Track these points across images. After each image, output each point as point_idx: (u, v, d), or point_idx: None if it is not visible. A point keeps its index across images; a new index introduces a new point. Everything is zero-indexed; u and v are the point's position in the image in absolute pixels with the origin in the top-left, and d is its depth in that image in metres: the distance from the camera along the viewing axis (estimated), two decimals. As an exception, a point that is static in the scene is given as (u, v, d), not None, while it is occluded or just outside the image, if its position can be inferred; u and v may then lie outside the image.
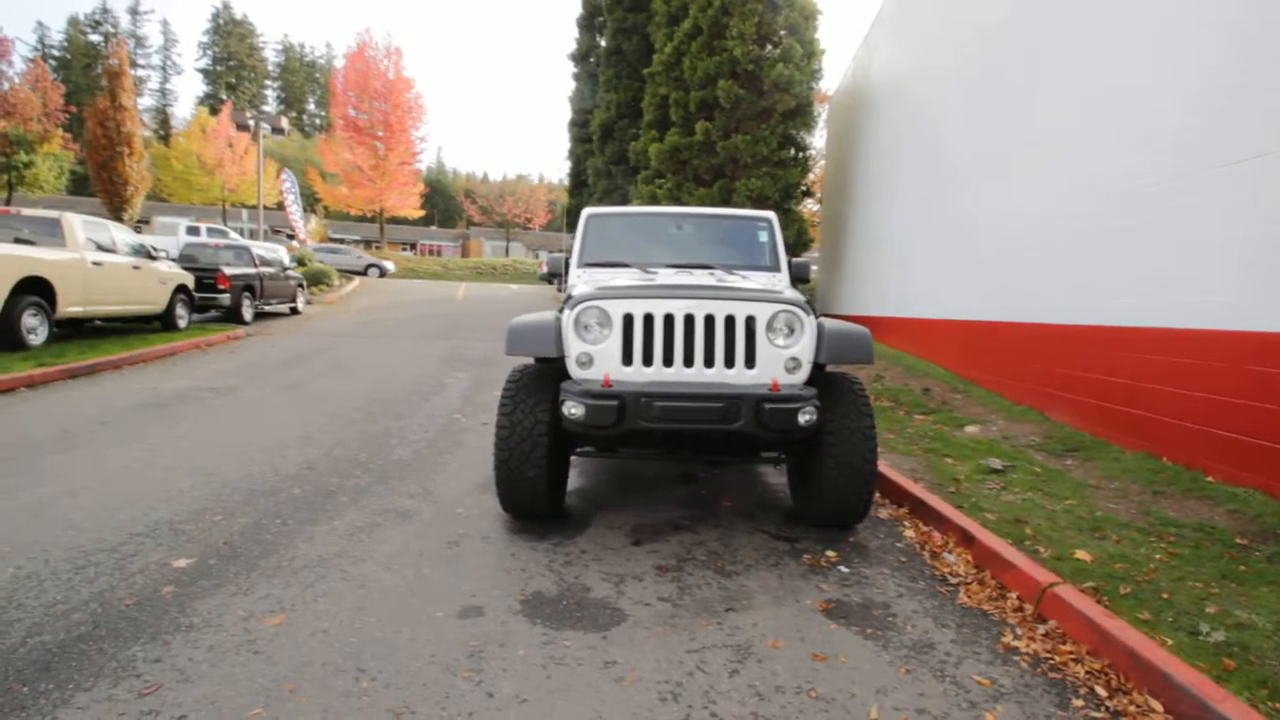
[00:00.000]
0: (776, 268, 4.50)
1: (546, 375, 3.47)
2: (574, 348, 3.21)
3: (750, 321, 3.18)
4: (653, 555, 3.16)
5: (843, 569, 3.06)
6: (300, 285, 16.33)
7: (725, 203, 13.25)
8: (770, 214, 4.72)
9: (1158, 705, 1.98)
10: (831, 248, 14.61)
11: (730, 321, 3.18)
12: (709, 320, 3.18)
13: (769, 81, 12.72)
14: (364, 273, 28.23)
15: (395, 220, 41.76)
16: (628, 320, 3.20)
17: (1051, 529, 3.40)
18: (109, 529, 3.21)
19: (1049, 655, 2.33)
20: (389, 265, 30.48)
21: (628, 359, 3.19)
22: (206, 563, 2.90)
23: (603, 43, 19.85)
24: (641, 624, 2.50)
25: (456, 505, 3.80)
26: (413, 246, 48.27)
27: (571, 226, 22.58)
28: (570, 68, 20.50)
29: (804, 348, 3.19)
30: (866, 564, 3.13)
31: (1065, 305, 5.73)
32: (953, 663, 2.30)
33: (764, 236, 4.63)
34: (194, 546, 3.06)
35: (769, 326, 3.19)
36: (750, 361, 3.17)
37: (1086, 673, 2.21)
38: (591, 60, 19.75)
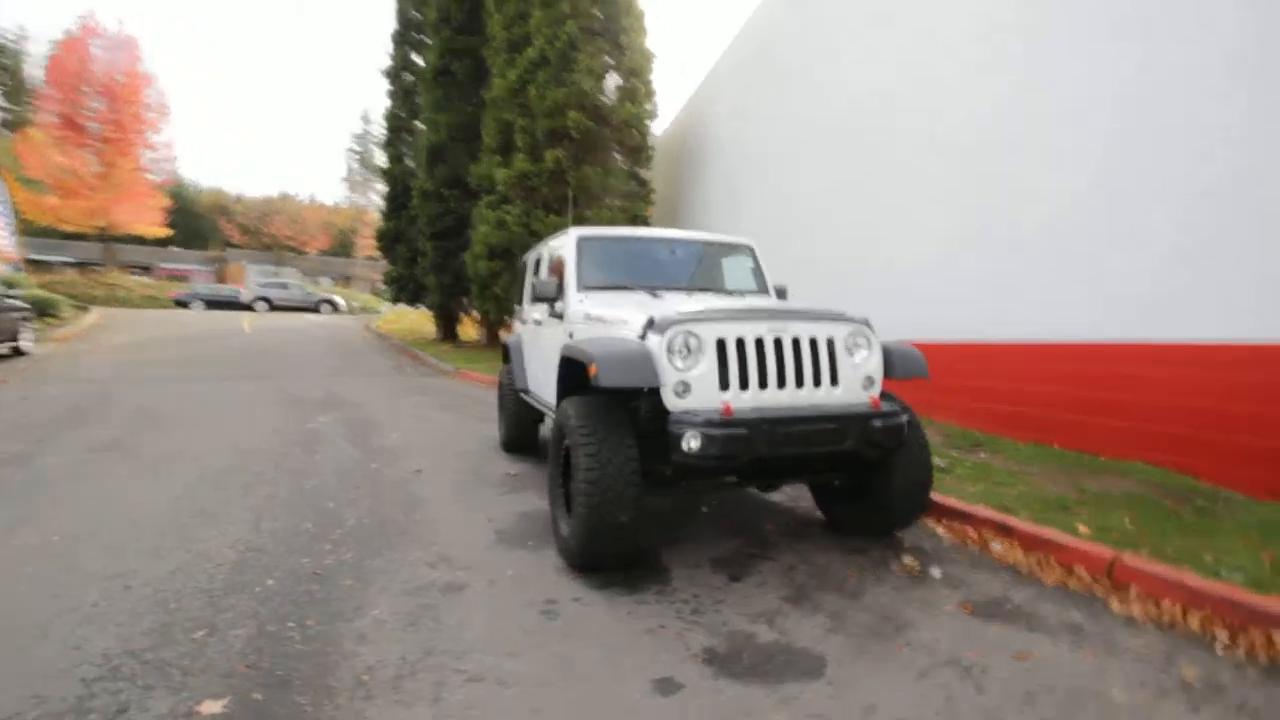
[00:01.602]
0: (766, 290, 4.66)
1: (614, 408, 3.16)
2: (669, 376, 2.98)
3: (830, 342, 3.26)
4: (763, 588, 3.04)
5: (935, 572, 3.24)
6: (24, 318, 12.71)
7: (577, 231, 13.26)
8: (751, 240, 4.87)
9: (1277, 636, 2.44)
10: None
11: (813, 343, 3.22)
12: (795, 342, 3.19)
13: (617, 118, 13.13)
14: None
15: (123, 239, 34.36)
16: (720, 344, 3.07)
17: (1030, 511, 3.97)
18: (39, 676, 2.17)
19: (1161, 615, 2.73)
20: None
21: (724, 384, 3.05)
22: (251, 701, 2.10)
23: (418, 60, 18.77)
24: (844, 662, 2.39)
25: (494, 566, 3.27)
26: (146, 270, 40.08)
27: (387, 250, 20.71)
28: (384, 84, 18.91)
29: (875, 365, 3.35)
30: (947, 565, 3.35)
31: (940, 327, 6.77)
32: (1108, 636, 2.57)
33: (750, 262, 4.76)
34: (207, 682, 2.20)
35: (846, 346, 3.30)
36: (834, 380, 3.24)
37: (1200, 622, 2.63)
38: (407, 77, 18.48)
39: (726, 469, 3.17)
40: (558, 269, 4.44)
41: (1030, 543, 3.47)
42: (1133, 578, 2.97)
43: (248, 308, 30.73)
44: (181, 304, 29.75)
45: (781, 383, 3.14)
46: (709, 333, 3.06)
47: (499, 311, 14.44)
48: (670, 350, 3.01)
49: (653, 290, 4.21)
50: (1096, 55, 5.22)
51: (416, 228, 17.16)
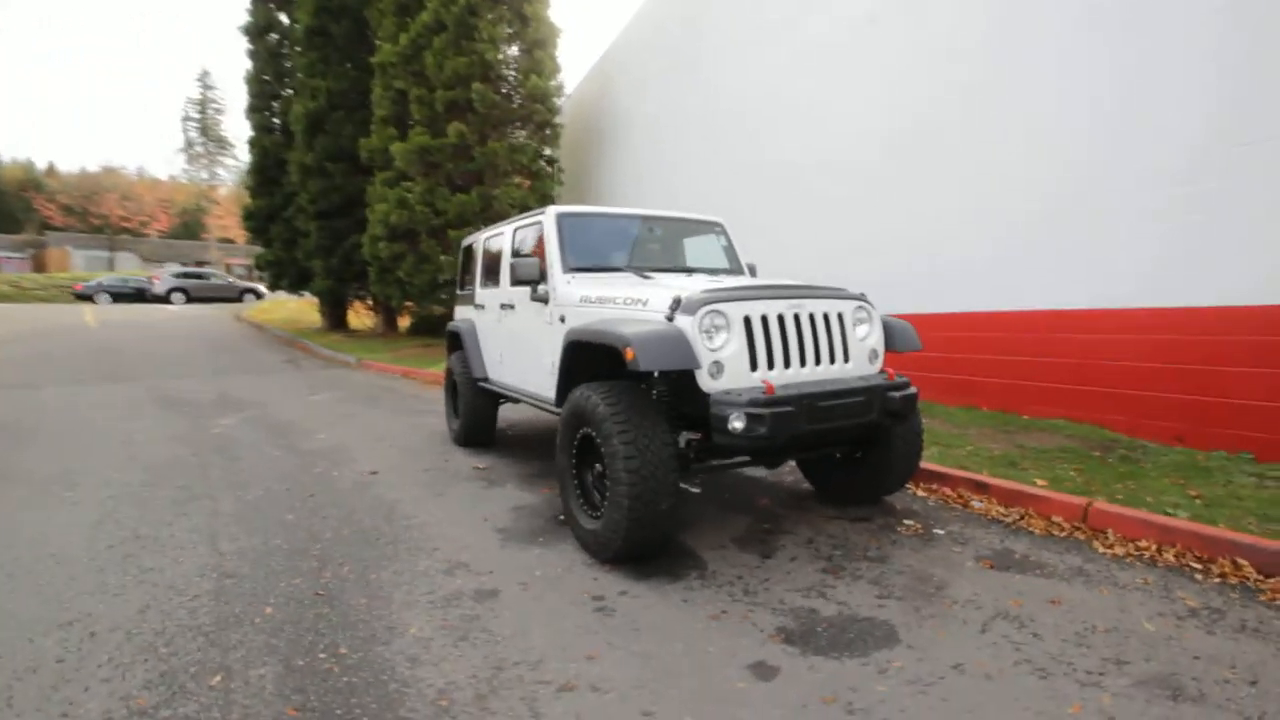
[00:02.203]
0: (740, 268, 4.69)
1: (641, 393, 3.07)
2: (705, 356, 2.92)
3: (840, 317, 3.34)
4: (797, 562, 3.09)
5: (938, 532, 3.46)
6: None
7: (486, 209, 12.74)
8: (721, 219, 4.87)
9: (1242, 560, 2.84)
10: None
11: (826, 318, 3.29)
12: (810, 318, 3.24)
13: (525, 91, 12.63)
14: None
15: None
16: (747, 323, 3.05)
17: (989, 468, 4.35)
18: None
19: (1142, 551, 3.09)
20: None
21: (754, 363, 3.04)
22: None
23: (285, 18, 16.93)
24: (910, 626, 2.49)
25: (517, 567, 3.09)
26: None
27: (256, 230, 18.64)
28: (243, 43, 16.74)
29: (878, 338, 3.49)
30: (946, 525, 3.58)
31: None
32: (1109, 575, 2.87)
33: (721, 240, 4.77)
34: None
35: (852, 321, 3.40)
36: (846, 356, 3.33)
37: (1174, 555, 3.01)
38: (275, 38, 16.56)
39: (767, 448, 3.17)
40: (538, 250, 4.20)
41: (1007, 497, 3.80)
42: (1107, 521, 3.34)
43: (163, 300, 27.87)
44: (84, 298, 27.07)
45: (803, 360, 3.19)
46: (736, 311, 3.03)
47: (402, 297, 13.57)
48: (702, 330, 2.95)
49: (640, 271, 4.11)
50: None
51: (296, 206, 15.60)
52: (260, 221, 17.06)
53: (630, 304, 3.27)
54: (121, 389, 8.74)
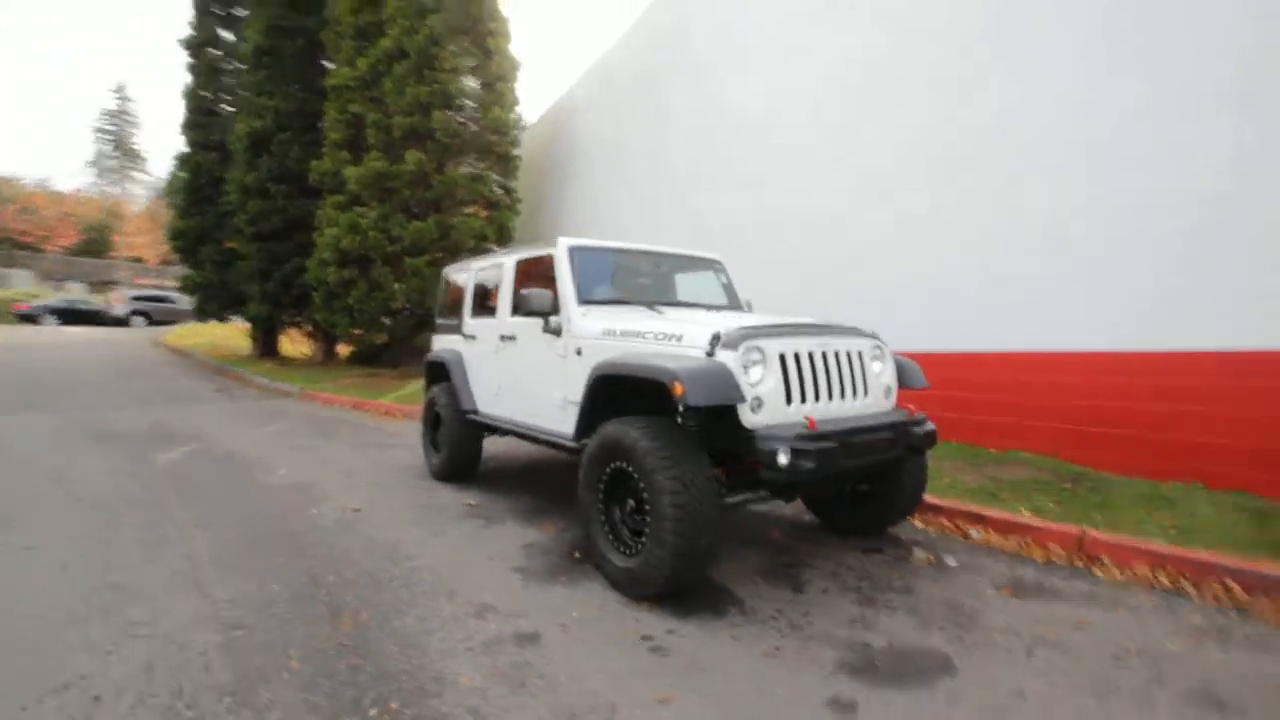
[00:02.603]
0: (738, 305, 4.80)
1: (680, 428, 3.07)
2: (747, 391, 2.96)
3: (860, 355, 3.47)
4: (829, 595, 3.13)
5: (950, 561, 3.58)
6: None
7: (443, 237, 12.53)
8: (719, 255, 4.98)
9: (1230, 582, 3.09)
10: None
11: (849, 356, 3.41)
12: (835, 355, 3.34)
13: (485, 122, 12.61)
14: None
15: None
16: (782, 359, 3.12)
17: (972, 499, 4.57)
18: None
19: (1138, 577, 3.30)
20: None
21: (789, 398, 3.10)
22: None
23: (228, 35, 16.30)
24: (961, 655, 2.55)
25: (549, 608, 2.98)
26: None
27: (182, 250, 17.46)
28: (183, 56, 15.95)
29: (891, 375, 3.64)
30: (955, 554, 3.71)
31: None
32: (1119, 599, 3.05)
33: (720, 277, 4.87)
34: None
35: (870, 358, 3.53)
36: (866, 391, 3.45)
37: (1168, 577, 3.23)
38: (216, 53, 15.86)
39: (808, 482, 3.21)
40: (541, 282, 4.16)
41: (1004, 528, 3.99)
42: (1101, 549, 3.56)
43: (120, 323, 25.90)
44: (28, 319, 24.67)
45: (830, 395, 3.28)
46: (773, 348, 3.10)
47: (349, 324, 13.03)
48: (743, 366, 2.99)
49: (651, 305, 4.14)
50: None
51: (233, 227, 14.80)
52: (190, 242, 16.05)
53: (664, 339, 3.28)
54: (42, 419, 7.93)
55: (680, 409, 3.15)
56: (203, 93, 16.03)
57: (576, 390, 3.78)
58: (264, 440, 7.27)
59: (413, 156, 11.95)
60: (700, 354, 3.05)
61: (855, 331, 3.55)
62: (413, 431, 8.04)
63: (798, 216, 7.75)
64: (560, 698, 2.23)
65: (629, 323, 3.58)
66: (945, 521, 4.24)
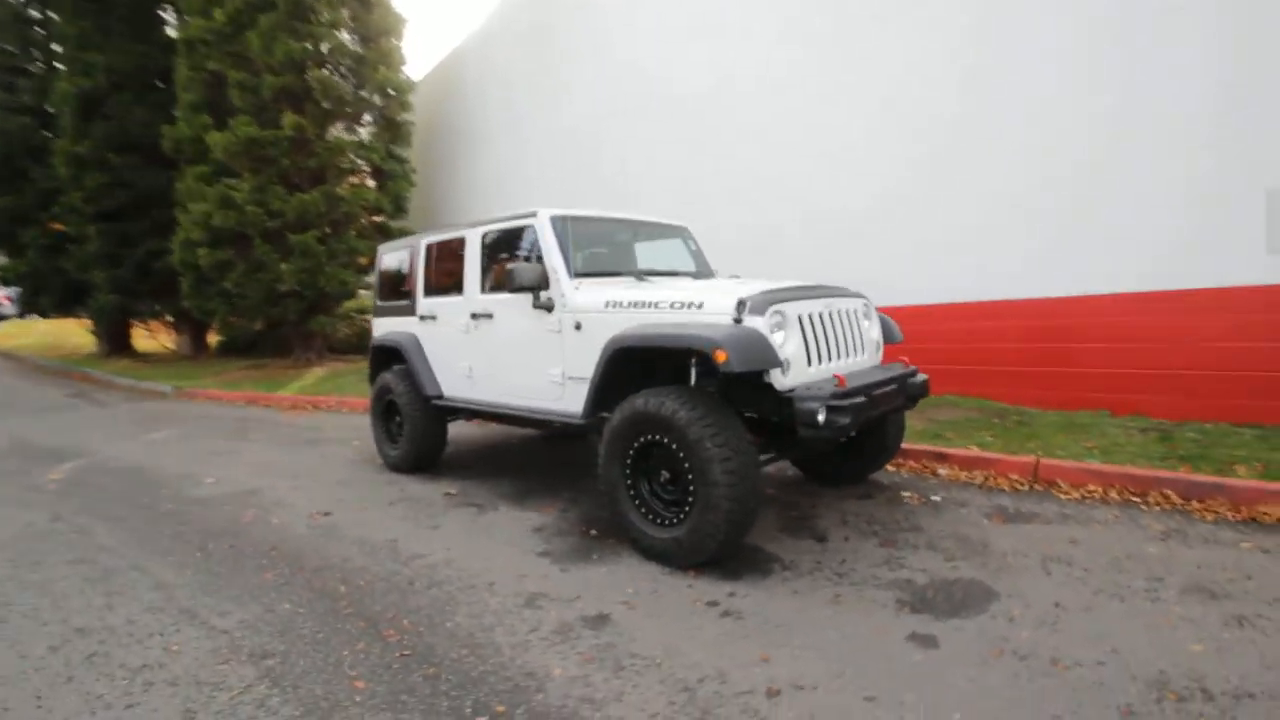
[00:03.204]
0: (710, 272, 4.84)
1: (711, 395, 3.09)
2: (778, 355, 3.02)
3: (855, 314, 3.65)
4: (853, 541, 3.32)
5: (936, 499, 3.91)
6: None
7: (331, 211, 11.52)
8: (685, 223, 4.97)
9: (1169, 492, 3.63)
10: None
11: (847, 315, 3.57)
12: (838, 315, 3.49)
13: (374, 83, 11.59)
14: None
15: None
16: (799, 321, 3.21)
17: (923, 440, 5.00)
18: None
19: (1093, 493, 3.78)
20: None
21: (809, 359, 3.21)
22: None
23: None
24: (1000, 581, 2.81)
25: (599, 588, 2.96)
26: None
27: (0, 235, 14.61)
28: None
29: (878, 332, 3.86)
30: (936, 492, 4.05)
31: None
32: (1089, 515, 3.48)
33: (693, 245, 4.87)
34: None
35: (863, 316, 3.72)
36: (861, 349, 3.64)
37: (1118, 493, 3.74)
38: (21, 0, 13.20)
39: (839, 437, 3.33)
40: (511, 256, 3.97)
41: (966, 463, 4.41)
42: (1055, 474, 4.04)
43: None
44: None
45: (838, 354, 3.43)
46: (793, 311, 3.17)
47: (228, 312, 11.70)
48: (769, 330, 3.04)
49: (638, 276, 4.08)
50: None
51: (61, 205, 12.65)
52: (5, 225, 13.53)
53: (682, 307, 3.25)
54: None
55: (716, 377, 3.18)
56: (8, 47, 13.36)
57: (579, 366, 3.68)
58: (165, 448, 6.44)
59: (290, 120, 10.79)
60: (727, 320, 3.06)
61: (848, 292, 3.71)
62: (336, 424, 7.47)
63: (720, 181, 7.87)
64: (666, 672, 2.22)
65: (635, 293, 3.51)
66: (913, 463, 4.61)
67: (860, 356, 3.60)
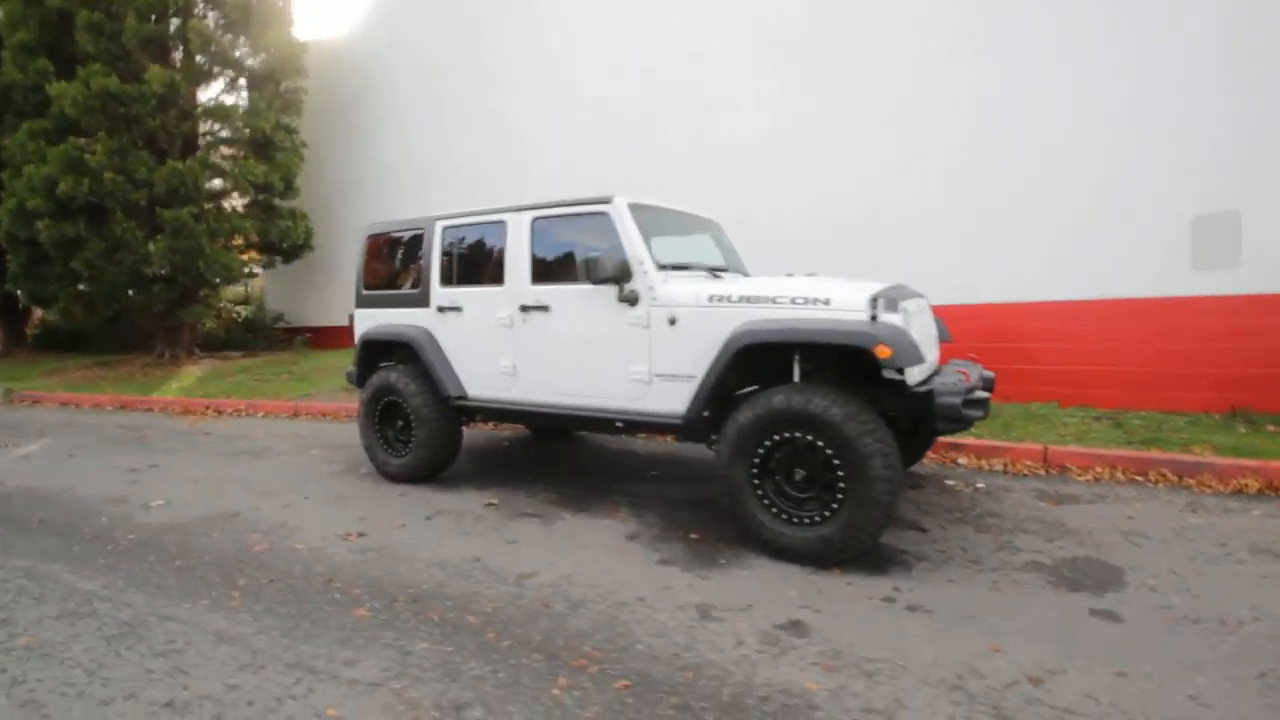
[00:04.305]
0: (742, 267, 4.82)
1: (850, 391, 3.09)
2: (914, 351, 3.10)
3: (930, 312, 3.84)
4: (951, 531, 3.47)
5: (980, 485, 4.22)
6: None
7: (209, 184, 10.00)
8: (716, 217, 4.90)
9: (1165, 470, 4.22)
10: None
11: (928, 313, 3.76)
12: (925, 313, 3.66)
13: (259, 40, 10.17)
14: None
15: None
16: (910, 319, 3.31)
17: None
18: None
19: (1101, 475, 4.29)
20: None
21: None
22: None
23: None
24: (1102, 554, 3.09)
25: (764, 594, 2.87)
26: None
27: None
28: None
29: (936, 329, 4.09)
30: (972, 480, 4.36)
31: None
32: (1120, 494, 3.95)
33: (726, 241, 4.81)
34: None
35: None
36: (935, 345, 3.84)
37: (1123, 473, 4.28)
38: None
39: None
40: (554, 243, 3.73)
41: (983, 452, 4.80)
42: (1063, 459, 4.54)
43: None
44: None
45: (929, 351, 3.58)
46: (910, 308, 3.26)
47: (73, 299, 9.70)
48: (906, 327, 3.10)
49: (713, 271, 3.98)
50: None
51: None
52: None
53: (804, 303, 3.20)
54: None
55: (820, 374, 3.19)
56: None
57: (671, 363, 3.51)
58: (51, 465, 5.21)
59: (157, 74, 9.19)
60: (861, 317, 3.07)
61: (918, 292, 3.90)
62: (267, 431, 6.52)
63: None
64: (917, 674, 2.18)
65: (743, 288, 3.41)
66: (932, 454, 4.94)
67: (935, 353, 3.79)
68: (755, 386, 3.35)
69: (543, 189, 7.85)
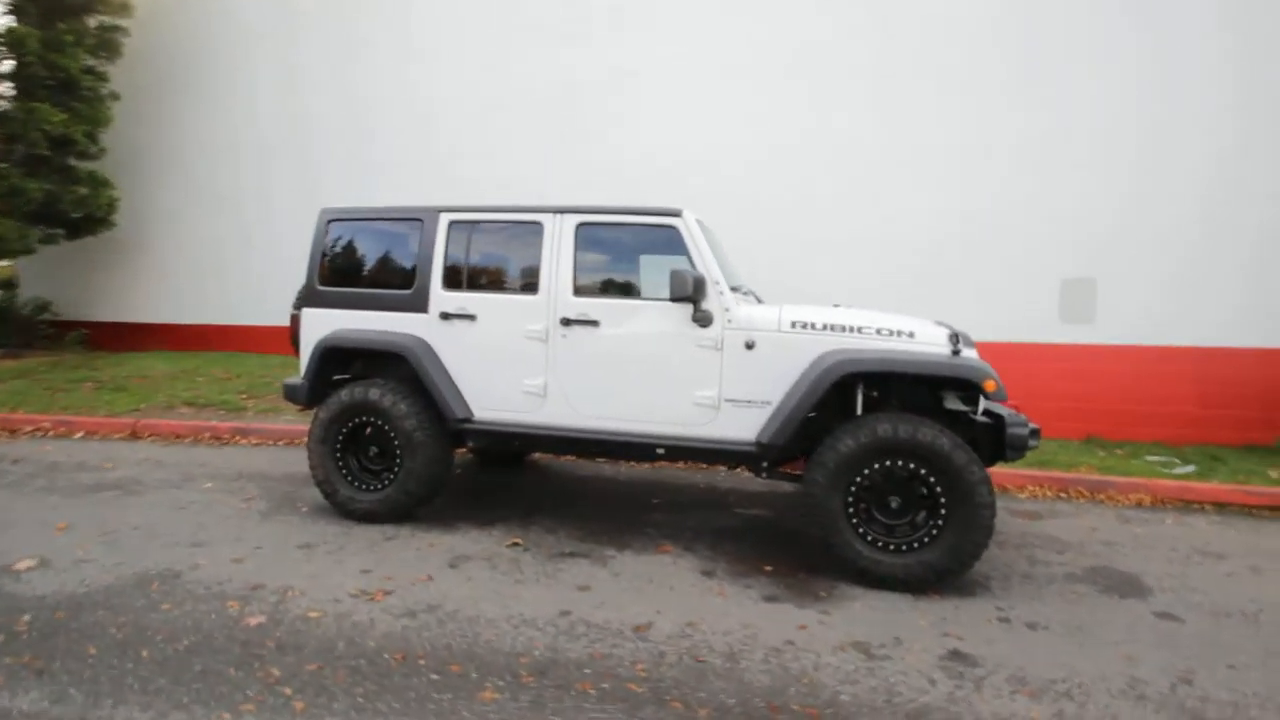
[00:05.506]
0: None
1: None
2: (982, 386, 3.33)
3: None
4: (1007, 552, 3.70)
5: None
6: None
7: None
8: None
9: (1081, 489, 5.00)
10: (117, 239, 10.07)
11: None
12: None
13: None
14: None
15: None
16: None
17: None
18: None
19: (1038, 494, 4.96)
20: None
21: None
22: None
23: None
24: (1127, 558, 3.55)
25: (903, 627, 2.88)
26: None
27: None
28: None
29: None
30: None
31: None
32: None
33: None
34: None
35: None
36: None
37: (1050, 491, 4.99)
38: None
39: None
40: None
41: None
42: (1002, 480, 5.18)
43: None
44: None
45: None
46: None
47: None
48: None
49: (743, 291, 3.91)
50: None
51: None
52: None
53: (891, 335, 3.28)
54: None
55: (968, 409, 3.35)
56: None
57: (745, 389, 3.40)
58: None
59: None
60: (944, 351, 3.24)
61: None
62: (100, 457, 5.12)
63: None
64: (1104, 687, 2.29)
65: (827, 316, 3.39)
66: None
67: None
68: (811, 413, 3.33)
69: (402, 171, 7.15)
